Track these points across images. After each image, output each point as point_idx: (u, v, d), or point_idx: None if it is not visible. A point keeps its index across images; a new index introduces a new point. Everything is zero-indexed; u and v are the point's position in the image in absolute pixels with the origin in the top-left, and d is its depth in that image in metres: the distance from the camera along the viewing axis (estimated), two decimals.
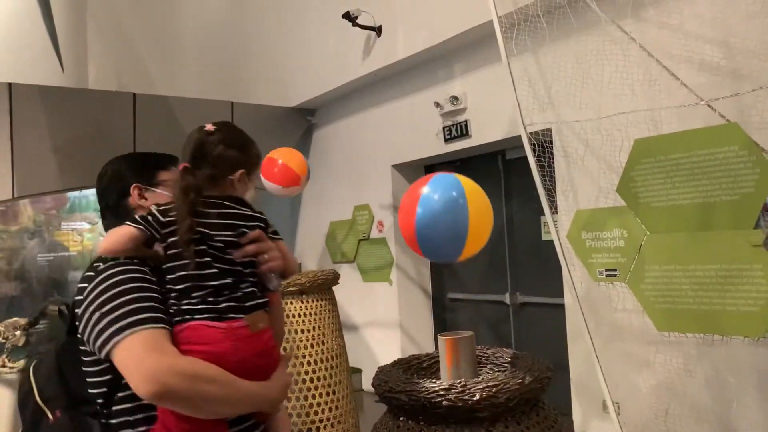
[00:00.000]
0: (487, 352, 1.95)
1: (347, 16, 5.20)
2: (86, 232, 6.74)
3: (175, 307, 1.40)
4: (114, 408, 1.37)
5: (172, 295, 1.42)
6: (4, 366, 5.26)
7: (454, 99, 4.94)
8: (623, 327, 3.32)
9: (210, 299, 1.42)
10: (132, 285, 1.37)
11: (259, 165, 1.75)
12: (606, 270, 2.90)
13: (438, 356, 1.87)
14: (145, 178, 1.63)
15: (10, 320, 5.49)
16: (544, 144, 3.04)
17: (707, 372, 2.83)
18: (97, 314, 1.33)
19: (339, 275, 3.91)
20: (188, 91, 6.16)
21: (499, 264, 5.30)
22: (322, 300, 3.45)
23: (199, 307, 1.40)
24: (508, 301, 5.22)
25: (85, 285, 1.39)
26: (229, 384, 1.36)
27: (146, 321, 1.32)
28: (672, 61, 2.61)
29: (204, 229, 1.45)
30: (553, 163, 3.19)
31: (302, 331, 3.30)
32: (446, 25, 4.72)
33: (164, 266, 1.44)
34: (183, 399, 1.30)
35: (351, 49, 5.68)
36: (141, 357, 1.28)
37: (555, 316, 4.82)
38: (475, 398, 1.53)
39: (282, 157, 3.88)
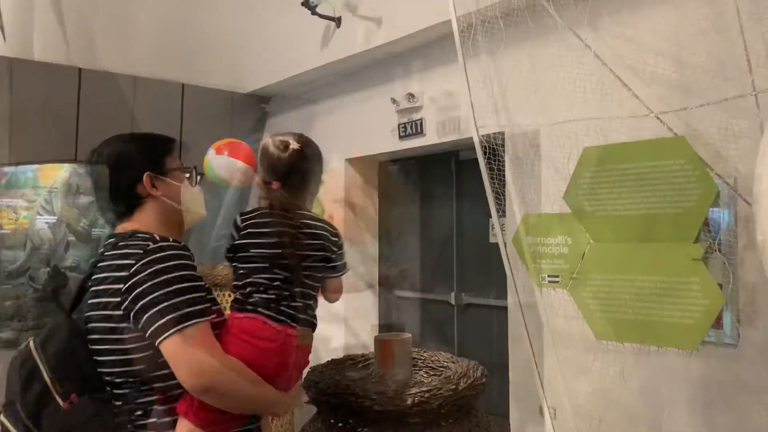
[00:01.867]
0: (424, 354, 1.91)
1: (306, 3, 5.09)
2: (22, 210, 6.44)
3: (241, 296, 1.52)
4: (145, 390, 1.40)
5: (246, 283, 1.55)
6: None
7: (411, 96, 4.89)
8: (564, 333, 3.34)
9: (275, 301, 1.56)
10: (186, 272, 1.43)
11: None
12: (549, 276, 2.90)
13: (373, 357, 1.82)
14: (156, 165, 1.65)
15: None
16: (496, 147, 3.02)
17: (642, 381, 2.87)
18: (151, 297, 1.36)
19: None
20: (138, 69, 5.94)
21: (446, 264, 5.30)
22: None
23: (265, 304, 1.54)
24: (453, 301, 5.22)
25: (132, 261, 1.39)
26: (258, 389, 1.47)
27: (200, 313, 1.40)
28: (625, 71, 2.62)
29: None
30: (503, 166, 3.18)
31: None
32: (406, 21, 4.66)
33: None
34: (221, 395, 1.39)
35: (309, 38, 5.57)
36: (193, 351, 1.35)
37: (499, 319, 4.84)
38: (407, 403, 1.48)
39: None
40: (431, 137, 4.85)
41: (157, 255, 1.42)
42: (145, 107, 5.71)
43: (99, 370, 1.40)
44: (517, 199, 3.03)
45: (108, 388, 1.40)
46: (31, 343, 1.42)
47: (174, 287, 1.39)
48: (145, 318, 1.37)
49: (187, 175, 1.72)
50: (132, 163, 1.63)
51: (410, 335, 1.74)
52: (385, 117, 5.19)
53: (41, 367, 1.36)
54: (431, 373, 1.85)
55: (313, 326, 1.64)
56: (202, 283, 1.46)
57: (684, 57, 2.56)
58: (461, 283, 5.21)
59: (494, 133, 3.31)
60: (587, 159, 2.74)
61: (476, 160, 5.10)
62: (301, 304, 1.56)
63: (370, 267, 5.80)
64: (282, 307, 1.53)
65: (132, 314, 1.38)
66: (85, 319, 1.44)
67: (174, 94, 5.89)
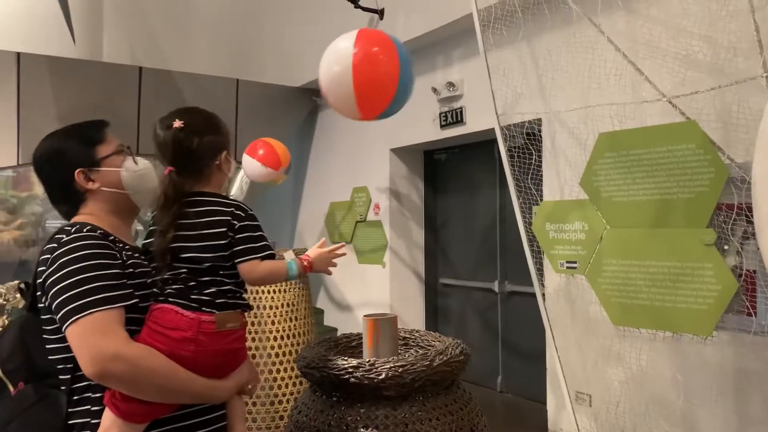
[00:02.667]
0: (416, 334, 2.00)
1: None
2: None
3: (157, 290, 1.50)
4: (77, 377, 1.42)
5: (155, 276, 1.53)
6: (3, 327, 5.47)
7: (451, 85, 4.94)
8: (597, 320, 3.34)
9: (185, 290, 1.51)
10: (92, 262, 1.40)
11: (230, 137, 1.81)
12: (567, 262, 2.92)
13: None
14: (87, 158, 1.56)
15: (12, 283, 5.68)
16: (536, 133, 3.06)
17: (659, 368, 2.85)
18: (58, 287, 1.37)
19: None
20: (197, 67, 6.25)
21: (490, 252, 5.32)
22: None
23: (176, 294, 1.51)
24: (496, 289, 5.24)
25: (47, 256, 1.41)
26: (171, 377, 1.42)
27: (100, 302, 1.36)
28: (638, 56, 2.60)
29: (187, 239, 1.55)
30: (540, 153, 3.20)
31: (271, 307, 3.39)
32: (444, 11, 4.71)
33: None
34: (123, 383, 1.36)
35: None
36: (89, 339, 1.33)
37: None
38: (380, 377, 1.58)
39: (271, 141, 4.03)
40: (472, 125, 4.89)
41: (68, 247, 1.40)
42: (202, 103, 5.99)
43: (50, 357, 1.44)
44: (540, 185, 3.05)
45: (58, 375, 1.44)
46: None
47: (78, 277, 1.37)
48: (53, 308, 1.38)
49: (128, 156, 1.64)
50: (61, 163, 1.53)
51: (396, 315, 1.83)
52: (426, 106, 5.25)
53: None
54: (420, 351, 1.94)
55: (238, 308, 1.59)
56: (117, 271, 1.43)
57: (697, 41, 2.52)
58: (505, 271, 5.22)
59: (531, 120, 3.32)
60: (602, 145, 2.74)
61: (521, 147, 5.11)
62: (214, 290, 1.54)
63: (415, 255, 5.89)
64: (192, 295, 1.51)
65: (48, 306, 1.41)
66: (40, 309, 1.46)
67: (229, 89, 6.15)
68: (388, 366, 1.60)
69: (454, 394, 1.71)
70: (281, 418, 3.35)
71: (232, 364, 1.58)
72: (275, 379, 3.35)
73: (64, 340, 1.38)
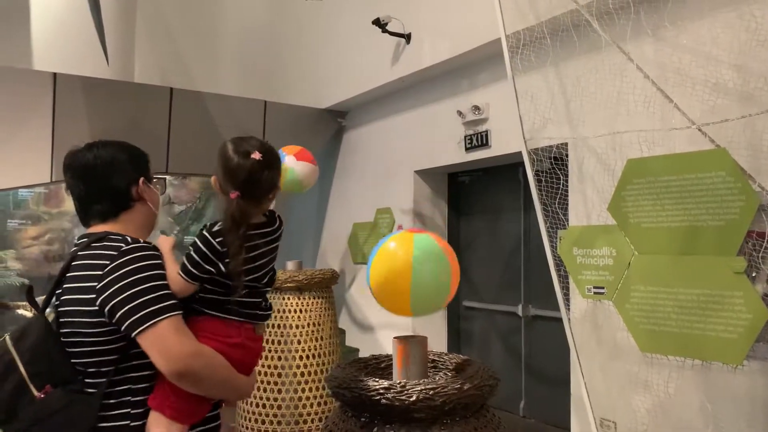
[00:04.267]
0: (444, 357, 2.01)
1: (377, 22, 5.31)
2: None
3: (203, 299, 1.64)
4: (114, 381, 1.49)
5: (208, 288, 1.66)
6: None
7: (476, 109, 4.98)
8: (623, 345, 3.31)
9: (233, 303, 1.69)
10: (159, 271, 1.53)
11: None
12: (594, 287, 2.92)
13: None
14: (146, 174, 1.72)
15: (43, 297, 5.82)
16: (563, 158, 3.08)
17: (687, 396, 2.82)
18: (128, 293, 1.45)
19: (338, 275, 4.02)
20: (225, 89, 6.38)
21: (514, 275, 5.31)
22: (319, 298, 3.56)
23: (223, 306, 1.68)
24: (520, 312, 5.23)
25: (106, 262, 1.49)
26: (229, 374, 1.59)
27: (172, 308, 1.50)
28: (667, 84, 2.62)
29: (252, 260, 1.70)
30: (567, 177, 3.21)
31: (297, 326, 3.41)
32: (470, 35, 4.77)
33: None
34: (198, 378, 1.50)
35: (381, 55, 5.78)
36: (170, 339, 1.45)
37: (565, 331, 4.79)
38: (411, 399, 1.60)
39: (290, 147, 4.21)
40: (497, 148, 4.91)
41: (132, 255, 1.51)
42: (230, 123, 6.12)
43: (73, 361, 1.48)
44: (568, 210, 3.06)
45: (80, 379, 1.49)
46: (7, 339, 1.50)
47: (148, 284, 1.48)
48: (120, 313, 1.45)
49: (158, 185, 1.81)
50: (129, 168, 1.67)
51: (426, 337, 1.85)
52: (451, 129, 5.30)
53: (17, 361, 1.45)
54: (450, 374, 1.95)
55: (267, 318, 1.81)
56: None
57: (726, 69, 2.53)
58: (528, 295, 5.21)
59: (558, 144, 3.34)
60: (631, 171, 2.75)
61: (548, 172, 5.12)
62: (259, 301, 1.76)
63: None
64: (242, 309, 1.70)
65: (107, 310, 1.46)
66: (60, 314, 1.52)
67: (257, 111, 6.26)
68: (419, 388, 1.62)
69: (483, 417, 1.72)
70: None
71: (255, 364, 1.81)
72: (300, 399, 3.37)
73: (104, 344, 1.47)
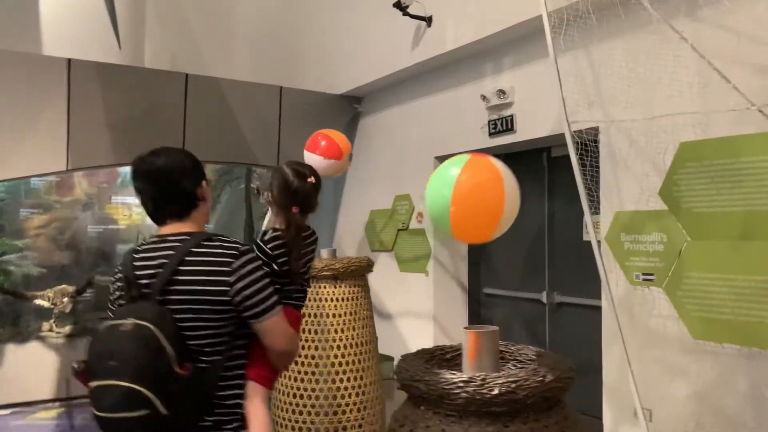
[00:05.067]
0: (512, 348, 1.94)
1: (398, 5, 5.19)
2: (135, 207, 6.94)
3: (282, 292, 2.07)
4: (231, 356, 1.76)
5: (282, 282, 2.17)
6: (51, 330, 5.51)
7: (501, 93, 4.89)
8: (659, 333, 3.26)
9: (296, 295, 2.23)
10: (266, 270, 1.90)
11: None
12: (643, 274, 2.84)
13: (462, 349, 1.87)
14: (205, 176, 1.92)
15: (59, 287, 5.74)
16: (588, 142, 2.99)
17: (743, 385, 2.76)
18: (256, 287, 1.75)
19: (373, 263, 3.94)
20: (239, 74, 6.27)
21: (538, 262, 5.25)
22: (355, 287, 3.49)
23: (294, 296, 2.20)
24: (545, 299, 5.16)
25: (231, 260, 1.74)
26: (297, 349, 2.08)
27: (279, 301, 1.83)
28: (725, 63, 2.53)
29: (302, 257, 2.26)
30: (597, 162, 3.13)
31: (333, 316, 3.35)
32: (496, 18, 4.67)
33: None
34: (291, 355, 1.92)
35: (400, 39, 5.67)
36: (283, 325, 1.82)
37: (592, 318, 4.74)
38: (493, 392, 1.53)
39: (329, 133, 4.02)
40: (522, 133, 4.83)
41: (251, 256, 1.80)
42: (246, 110, 6.02)
43: (190, 343, 1.69)
44: (612, 195, 2.98)
45: (195, 357, 1.70)
46: (152, 328, 1.60)
47: (266, 281, 1.80)
48: (249, 302, 1.73)
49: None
50: (195, 171, 1.86)
51: (497, 328, 1.78)
52: (474, 114, 5.21)
53: (165, 344, 1.59)
54: (519, 366, 1.88)
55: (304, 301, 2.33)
56: None
57: None
58: (553, 282, 5.14)
59: (588, 129, 3.27)
60: (684, 154, 2.67)
61: (569, 156, 5.03)
62: (303, 289, 2.30)
63: (458, 264, 5.83)
64: (295, 299, 2.19)
65: (238, 299, 1.72)
66: (171, 302, 1.69)
67: (273, 96, 6.16)
68: (500, 381, 1.55)
69: (563, 411, 1.66)
70: (344, 428, 3.31)
71: None
72: (338, 389, 3.31)
73: (224, 327, 1.73)
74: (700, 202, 2.61)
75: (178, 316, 1.68)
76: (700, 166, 2.60)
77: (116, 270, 1.85)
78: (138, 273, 1.73)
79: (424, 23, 5.37)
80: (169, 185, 1.80)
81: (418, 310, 5.83)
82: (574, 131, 3.19)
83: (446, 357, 1.94)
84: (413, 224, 5.92)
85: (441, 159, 5.76)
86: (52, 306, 5.53)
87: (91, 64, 5.29)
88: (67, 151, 5.21)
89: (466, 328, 1.78)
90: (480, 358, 1.74)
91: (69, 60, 5.17)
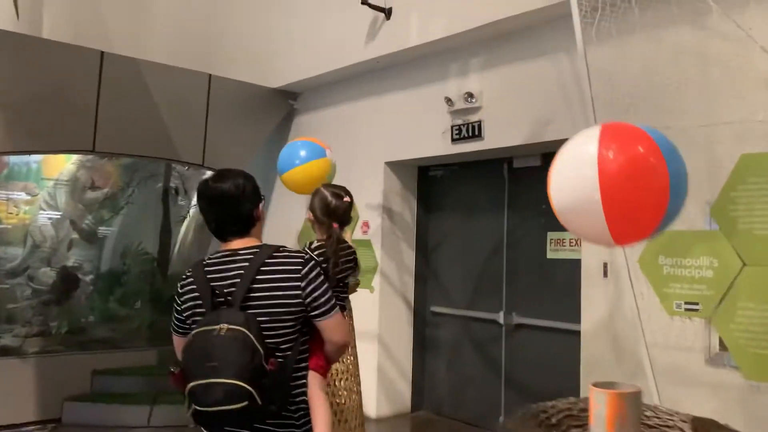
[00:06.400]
0: (651, 412, 1.48)
1: None
2: (24, 204, 5.90)
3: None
4: (300, 351, 1.95)
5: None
6: None
7: (469, 96, 4.49)
8: (699, 371, 2.92)
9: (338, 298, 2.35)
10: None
11: None
12: (686, 303, 2.49)
13: (571, 410, 1.39)
14: (261, 198, 2.10)
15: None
16: None
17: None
18: (321, 290, 1.96)
19: (359, 282, 3.45)
20: (157, 56, 5.46)
21: (495, 279, 4.88)
22: None
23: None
24: (501, 320, 4.80)
25: (299, 267, 1.94)
26: None
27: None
28: None
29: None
30: None
31: None
32: (470, 14, 4.27)
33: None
34: (346, 347, 2.21)
35: (352, 31, 5.15)
36: (344, 323, 2.10)
37: (557, 342, 4.44)
38: None
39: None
40: (490, 141, 4.45)
41: (314, 263, 2.01)
42: (169, 98, 5.24)
43: (268, 342, 1.85)
44: None
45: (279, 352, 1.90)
46: (245, 330, 1.78)
47: (327, 284, 2.00)
48: (317, 303, 1.94)
49: None
50: (255, 193, 2.05)
51: (639, 388, 1.33)
52: (435, 117, 4.78)
53: (257, 344, 1.77)
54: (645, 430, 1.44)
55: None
56: None
57: None
58: (512, 302, 4.80)
59: None
60: (745, 168, 2.35)
61: (533, 168, 4.73)
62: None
63: (405, 279, 5.36)
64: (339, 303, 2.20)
65: (308, 300, 1.93)
66: (251, 306, 1.88)
67: (201, 84, 5.42)
68: None
69: None
70: None
71: None
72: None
73: (296, 326, 1.94)
74: (762, 223, 2.30)
75: (259, 319, 1.86)
76: (764, 183, 2.28)
77: (184, 283, 1.99)
78: (215, 284, 1.91)
79: (381, 15, 4.89)
80: (232, 208, 2.00)
81: (362, 330, 5.28)
82: None
83: (552, 422, 1.45)
84: (357, 235, 5.38)
85: (392, 165, 5.28)
86: None
87: None
88: None
89: (597, 387, 1.30)
90: (621, 429, 1.26)
91: None
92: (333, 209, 2.85)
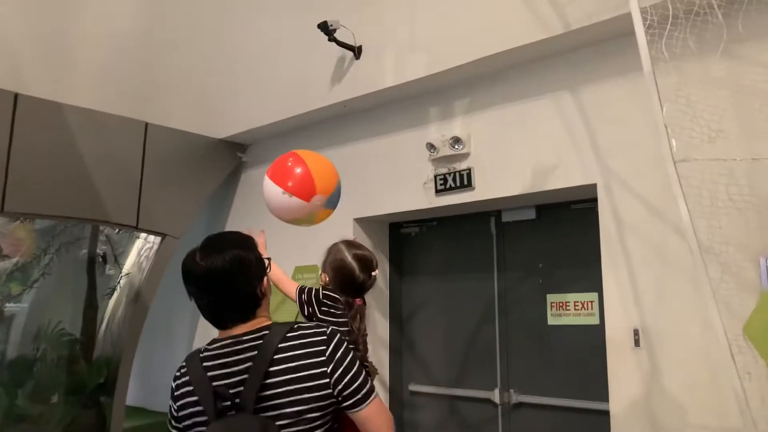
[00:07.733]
0: None
1: (324, 26, 4.11)
2: None
3: None
4: None
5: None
6: None
7: (456, 141, 3.96)
8: None
9: None
10: (355, 352, 1.76)
11: None
12: None
13: None
14: (264, 268, 1.76)
15: None
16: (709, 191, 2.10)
17: None
18: (353, 371, 1.65)
19: None
20: (83, 101, 4.67)
21: (486, 352, 4.24)
22: None
23: None
24: (496, 399, 4.14)
25: (323, 347, 1.63)
26: None
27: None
28: None
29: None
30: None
31: None
32: (453, 50, 3.78)
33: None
34: None
35: (313, 72, 4.57)
36: (386, 412, 1.71)
37: (566, 424, 3.81)
38: None
39: (306, 156, 2.62)
40: (483, 191, 3.90)
41: (339, 338, 1.68)
42: (98, 149, 4.44)
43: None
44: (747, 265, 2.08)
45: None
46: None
47: (359, 365, 1.68)
48: (350, 389, 1.62)
49: None
50: (258, 265, 1.72)
51: None
52: (415, 166, 4.22)
53: None
54: None
55: None
56: None
57: None
58: (508, 377, 4.16)
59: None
60: None
61: (524, 222, 4.18)
62: None
63: (379, 353, 4.64)
64: None
65: (335, 383, 1.61)
66: (266, 398, 1.57)
67: (136, 133, 4.67)
68: None
69: None
70: None
71: None
72: None
73: (324, 424, 1.61)
74: None
75: (279, 423, 1.55)
76: None
77: (179, 383, 1.64)
78: (218, 384, 1.56)
79: (350, 54, 4.34)
80: (229, 290, 1.65)
81: None
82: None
83: None
84: None
85: (363, 222, 4.64)
86: None
87: None
88: None
89: None
90: None
91: None
92: (360, 285, 2.39)
